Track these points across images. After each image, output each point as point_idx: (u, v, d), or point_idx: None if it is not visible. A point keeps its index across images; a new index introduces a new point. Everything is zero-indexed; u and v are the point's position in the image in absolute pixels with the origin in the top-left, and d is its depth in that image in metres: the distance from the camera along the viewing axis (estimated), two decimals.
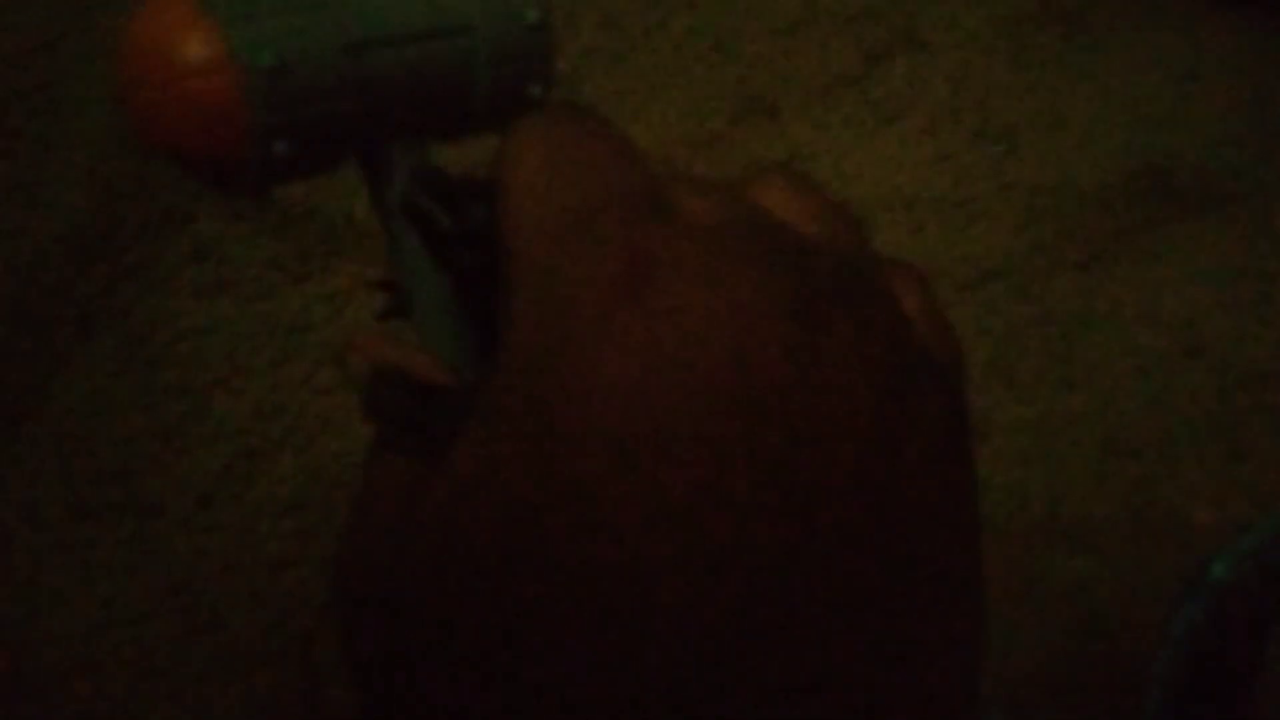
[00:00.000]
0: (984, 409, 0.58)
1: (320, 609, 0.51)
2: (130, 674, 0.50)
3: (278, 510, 0.54)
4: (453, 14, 0.24)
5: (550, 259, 0.18)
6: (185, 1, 0.21)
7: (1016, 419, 0.58)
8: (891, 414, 0.18)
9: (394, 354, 0.22)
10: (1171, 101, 0.70)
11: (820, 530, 0.17)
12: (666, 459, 0.17)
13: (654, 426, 0.17)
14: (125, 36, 0.21)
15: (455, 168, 0.23)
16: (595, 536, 0.17)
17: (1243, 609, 0.44)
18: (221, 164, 0.22)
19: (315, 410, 0.57)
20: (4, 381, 0.58)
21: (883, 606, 0.18)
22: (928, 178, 0.67)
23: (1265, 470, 0.55)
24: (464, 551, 0.17)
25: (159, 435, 0.56)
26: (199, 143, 0.21)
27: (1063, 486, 0.56)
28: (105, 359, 0.59)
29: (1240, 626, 0.44)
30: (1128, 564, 0.53)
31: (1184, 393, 0.58)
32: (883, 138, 0.69)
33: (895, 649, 0.18)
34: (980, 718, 0.20)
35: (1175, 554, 0.52)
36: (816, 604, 0.17)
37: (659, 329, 0.17)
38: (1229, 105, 0.70)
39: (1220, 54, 0.72)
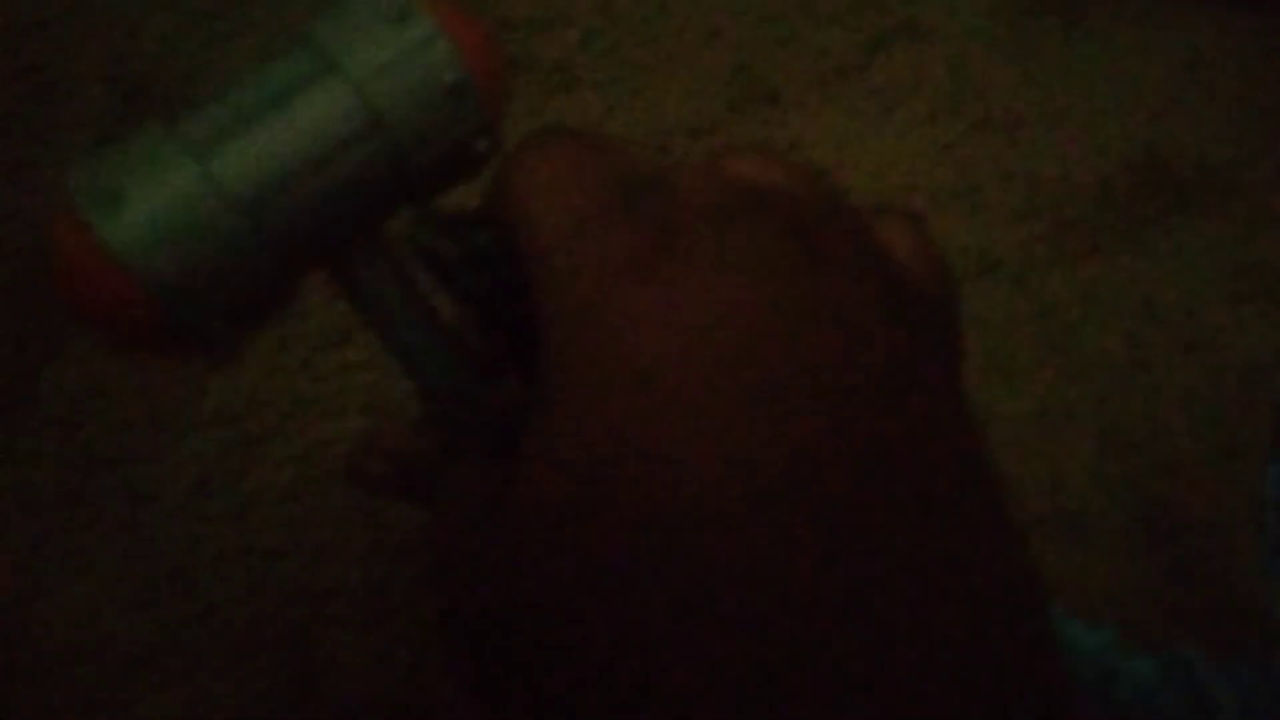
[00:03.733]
0: (983, 401, 0.57)
1: (316, 599, 0.51)
2: (124, 662, 0.50)
3: (274, 498, 0.54)
4: (350, 122, 0.22)
5: (573, 251, 0.19)
6: (77, 230, 0.21)
7: (1015, 411, 0.58)
8: (905, 339, 0.19)
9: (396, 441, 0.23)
10: (1173, 93, 0.70)
11: (873, 455, 0.18)
12: (729, 411, 0.18)
13: (709, 381, 0.18)
14: (50, 263, 0.21)
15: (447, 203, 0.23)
16: (675, 494, 0.17)
17: None
18: (181, 356, 0.22)
19: (312, 396, 0.56)
20: None
21: (938, 515, 0.18)
22: (927, 168, 0.67)
23: (1264, 463, 0.55)
24: (555, 533, 0.18)
25: (154, 422, 0.56)
26: (151, 351, 0.22)
27: (1060, 479, 0.56)
28: (98, 344, 0.58)
29: None
30: (1124, 558, 0.53)
31: (1183, 386, 0.58)
32: (883, 126, 0.68)
33: (962, 551, 0.19)
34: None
35: (1173, 548, 0.52)
36: (887, 528, 0.18)
37: (690, 289, 0.19)
38: (1230, 97, 0.69)
39: (1222, 45, 0.72)
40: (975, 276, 0.62)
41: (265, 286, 0.22)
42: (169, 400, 0.56)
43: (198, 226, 0.20)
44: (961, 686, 0.17)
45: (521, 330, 0.22)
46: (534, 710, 0.19)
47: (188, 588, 0.51)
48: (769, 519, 0.17)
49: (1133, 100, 0.69)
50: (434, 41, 0.22)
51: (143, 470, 0.54)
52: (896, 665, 0.17)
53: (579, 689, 0.18)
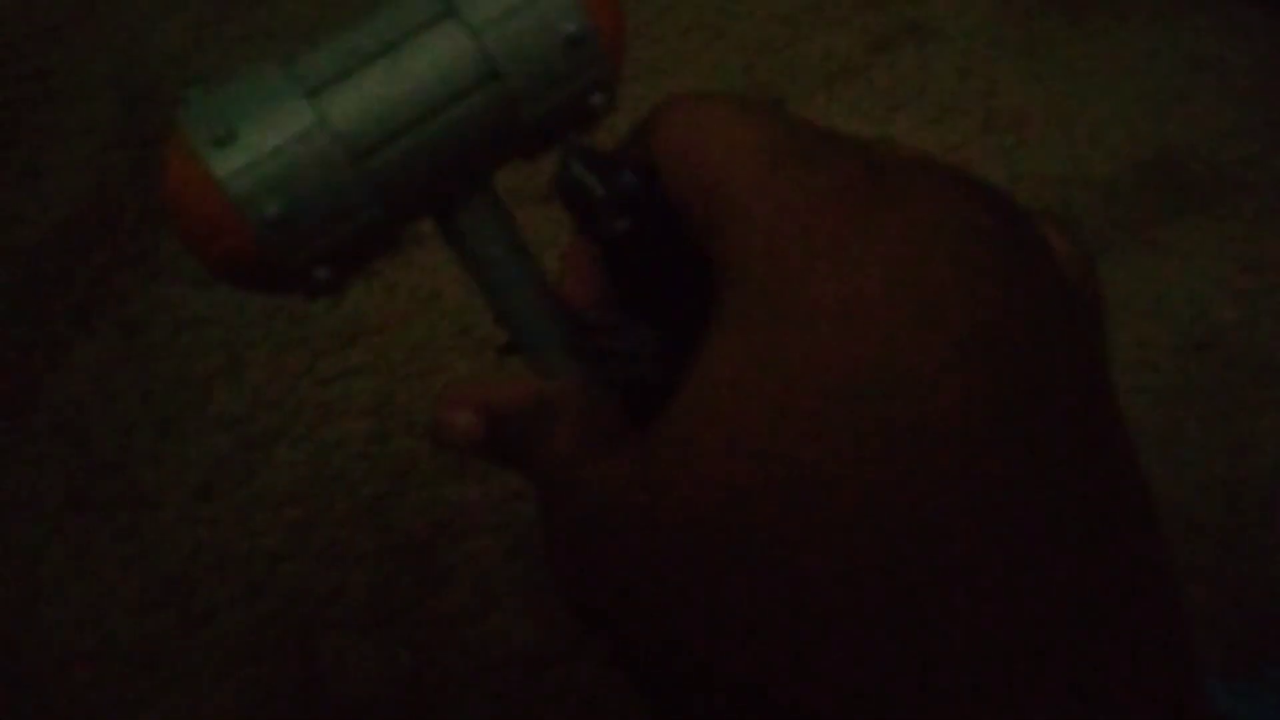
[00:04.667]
0: None
1: (318, 602, 0.51)
2: (127, 665, 0.50)
3: (276, 502, 0.53)
4: (466, 68, 0.22)
5: (768, 189, 0.18)
6: (188, 161, 0.20)
7: None
8: (1079, 336, 0.19)
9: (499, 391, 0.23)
10: (1181, 92, 0.69)
11: (1046, 441, 0.17)
12: (933, 359, 0.17)
13: (921, 327, 0.17)
14: (161, 190, 0.21)
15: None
16: (857, 449, 0.17)
17: None
18: (280, 291, 0.22)
19: (314, 401, 0.56)
20: (2, 371, 0.58)
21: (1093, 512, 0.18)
22: None
23: (1274, 465, 0.54)
24: (733, 474, 0.17)
25: (157, 426, 0.56)
26: (250, 285, 0.21)
27: None
28: (104, 349, 0.58)
29: None
30: None
31: (1194, 385, 0.57)
32: (889, 127, 0.68)
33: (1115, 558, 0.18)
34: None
35: (1183, 547, 0.52)
36: (1053, 509, 0.17)
37: (905, 232, 0.18)
38: (1239, 96, 0.69)
39: (1230, 44, 0.71)
40: None
41: (368, 230, 0.21)
42: (172, 405, 0.56)
43: (306, 167, 0.20)
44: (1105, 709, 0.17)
45: (651, 277, 0.22)
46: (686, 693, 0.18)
47: (190, 591, 0.51)
48: (954, 464, 0.17)
49: (1141, 99, 0.69)
50: None
51: (146, 475, 0.54)
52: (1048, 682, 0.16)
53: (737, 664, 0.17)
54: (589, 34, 0.22)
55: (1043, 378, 0.18)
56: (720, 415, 0.18)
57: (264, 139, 0.20)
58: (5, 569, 0.52)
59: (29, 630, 0.50)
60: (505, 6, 0.21)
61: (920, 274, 0.17)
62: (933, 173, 0.19)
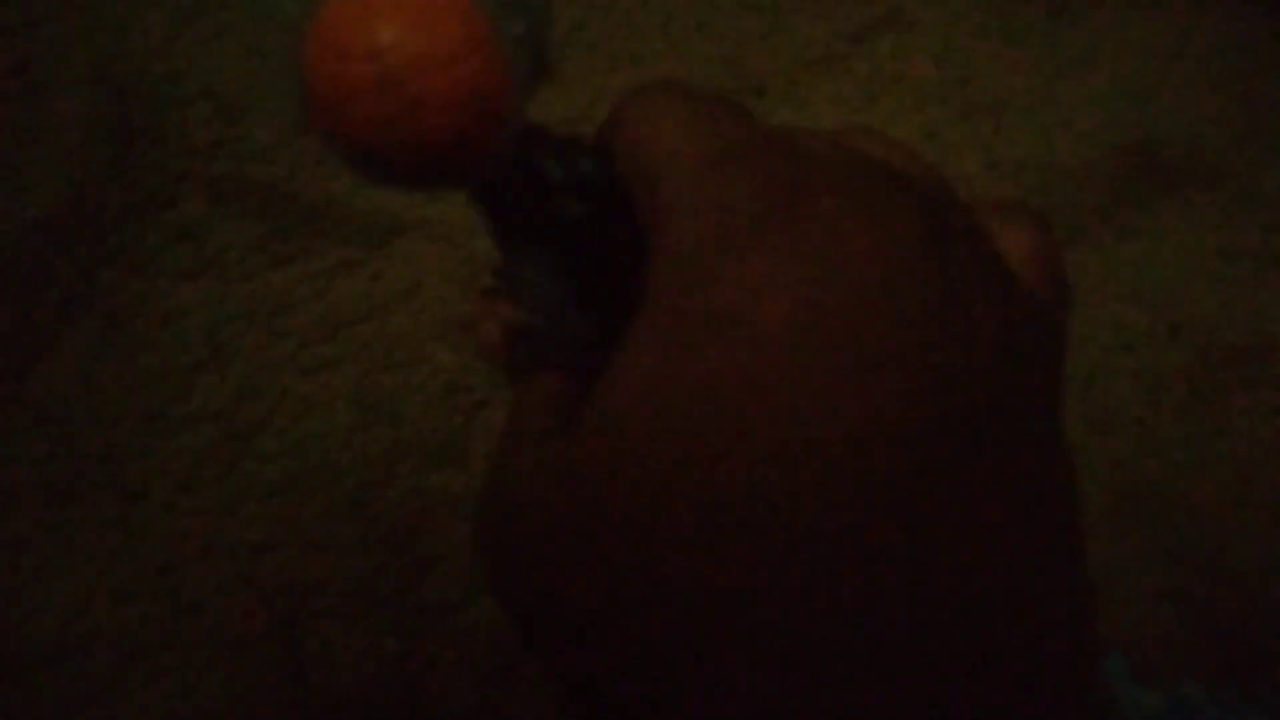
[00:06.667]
0: None
1: (304, 592, 0.51)
2: (113, 657, 0.50)
3: (261, 492, 0.54)
4: None
5: (703, 189, 0.19)
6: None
7: None
8: (1013, 337, 0.19)
9: (512, 310, 0.23)
10: (1157, 79, 0.70)
11: (968, 443, 0.18)
12: (832, 376, 0.17)
13: (819, 343, 0.17)
14: (345, 34, 0.18)
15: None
16: (764, 446, 0.17)
17: None
18: (472, 153, 0.19)
19: (298, 392, 0.57)
20: None
21: (1019, 515, 0.18)
22: None
23: (1248, 446, 0.55)
24: (628, 472, 0.18)
25: (142, 418, 0.56)
26: (456, 134, 0.19)
27: None
28: (87, 342, 0.58)
29: None
30: (1110, 539, 0.53)
31: (1168, 369, 0.58)
32: (869, 115, 0.68)
33: (1031, 549, 0.18)
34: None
35: (1157, 530, 0.52)
36: (972, 511, 0.18)
37: (816, 248, 0.18)
38: (1214, 83, 0.69)
39: (1206, 32, 0.72)
40: None
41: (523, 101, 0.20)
42: (157, 396, 0.57)
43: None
44: (993, 676, 0.17)
45: (607, 264, 0.22)
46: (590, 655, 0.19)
47: (177, 582, 0.52)
48: (847, 481, 0.17)
49: (1117, 87, 0.69)
50: None
51: (131, 466, 0.54)
52: (940, 638, 0.17)
53: (644, 619, 0.18)
54: None
55: (951, 396, 0.18)
56: (614, 428, 0.18)
57: None
58: None
59: (14, 622, 0.51)
60: None
61: (825, 290, 0.18)
62: (860, 185, 0.19)
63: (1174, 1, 0.73)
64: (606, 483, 0.18)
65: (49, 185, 0.64)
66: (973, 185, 0.65)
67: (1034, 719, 0.18)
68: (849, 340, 0.18)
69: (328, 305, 0.59)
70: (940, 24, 0.72)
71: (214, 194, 0.62)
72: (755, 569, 0.17)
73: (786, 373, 0.17)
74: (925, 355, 0.18)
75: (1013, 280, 0.20)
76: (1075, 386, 0.57)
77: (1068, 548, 0.19)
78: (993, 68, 0.70)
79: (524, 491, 0.20)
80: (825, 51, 0.71)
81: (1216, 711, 0.47)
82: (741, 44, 0.72)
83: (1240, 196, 0.64)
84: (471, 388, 0.57)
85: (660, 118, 0.20)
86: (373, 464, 0.54)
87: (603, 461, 0.18)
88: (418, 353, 0.58)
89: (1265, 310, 0.59)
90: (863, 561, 0.17)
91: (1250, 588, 0.51)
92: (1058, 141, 0.66)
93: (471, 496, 0.54)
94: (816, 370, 0.17)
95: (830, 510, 0.17)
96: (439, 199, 0.62)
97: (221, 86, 0.67)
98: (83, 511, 0.53)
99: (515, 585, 0.20)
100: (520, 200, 0.23)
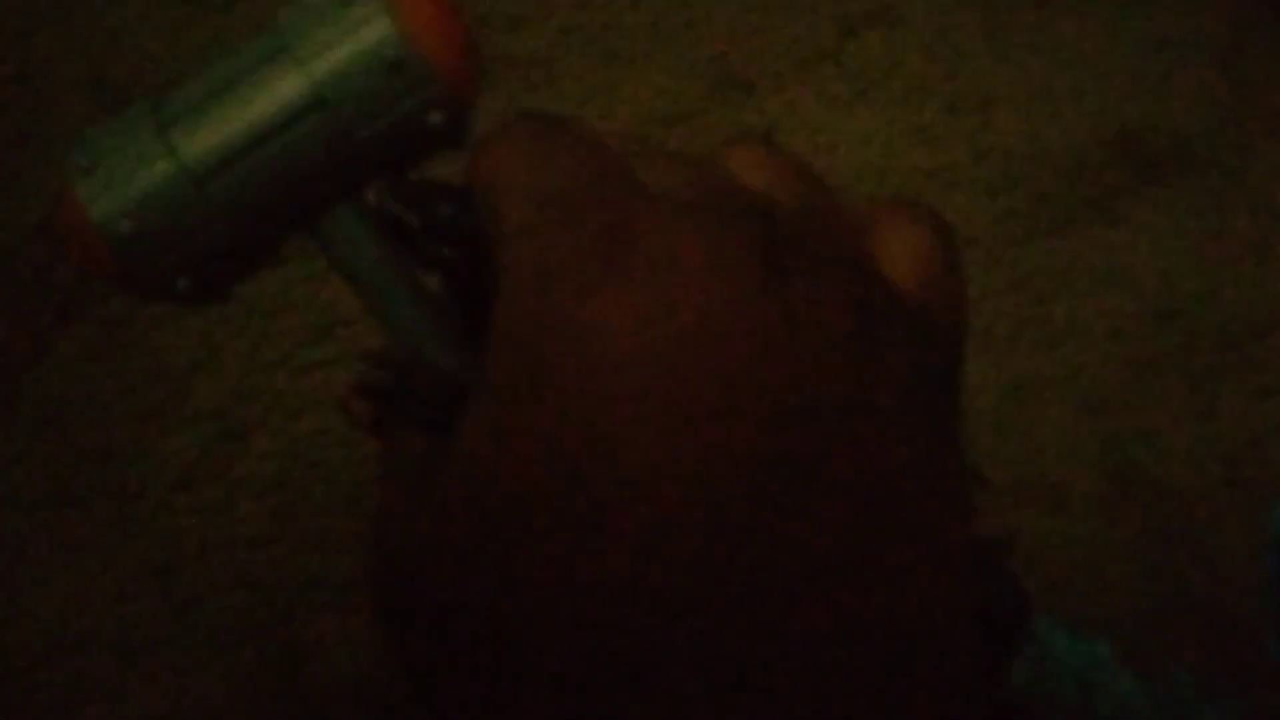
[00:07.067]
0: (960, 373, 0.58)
1: (300, 587, 0.52)
2: (111, 654, 0.50)
3: (257, 490, 0.54)
4: (295, 97, 0.23)
5: (533, 237, 0.19)
6: (64, 191, 0.24)
7: (992, 383, 0.58)
8: (865, 361, 0.19)
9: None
10: (1145, 70, 0.70)
11: (807, 475, 0.18)
12: (663, 418, 0.17)
13: (649, 388, 0.18)
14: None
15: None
16: (601, 495, 0.17)
17: None
18: (158, 298, 0.24)
19: (294, 391, 0.57)
20: None
21: (864, 548, 0.18)
22: (903, 149, 0.67)
23: (1237, 430, 0.55)
24: (477, 521, 0.18)
25: (138, 419, 0.56)
26: (129, 291, 0.24)
27: (1036, 448, 0.56)
28: (83, 344, 0.59)
29: None
30: (1100, 524, 0.53)
31: (1157, 354, 0.58)
32: (858, 111, 0.69)
33: (876, 589, 0.18)
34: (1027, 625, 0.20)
35: (1147, 514, 0.52)
36: (809, 549, 0.18)
37: (641, 293, 0.18)
38: (1202, 73, 0.70)
39: (1193, 22, 0.72)
40: None
41: (222, 246, 0.24)
42: (153, 397, 0.57)
43: (153, 192, 0.23)
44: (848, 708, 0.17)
45: (479, 306, 0.23)
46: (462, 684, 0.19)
47: (173, 580, 0.52)
48: (691, 524, 0.17)
49: (1105, 77, 0.70)
50: (375, 19, 0.23)
51: (128, 466, 0.55)
52: (785, 670, 0.17)
53: (499, 658, 0.18)
54: (409, 59, 0.23)
55: (789, 428, 0.18)
56: (466, 479, 0.19)
57: (117, 167, 0.23)
58: None
59: (12, 622, 0.51)
60: (328, 39, 0.24)
61: (651, 332, 0.18)
62: (691, 224, 0.19)
63: None
64: (466, 530, 0.18)
65: (46, 190, 0.65)
66: (961, 177, 0.65)
67: None
68: (677, 381, 0.18)
69: (320, 307, 0.60)
70: (929, 18, 0.73)
71: None
72: (603, 606, 0.17)
73: (617, 414, 0.18)
74: (760, 387, 0.18)
75: (875, 288, 0.20)
76: (1067, 372, 0.57)
77: (933, 573, 0.19)
78: (980, 61, 0.70)
79: (400, 536, 0.20)
80: (814, 48, 0.72)
81: (1204, 702, 0.47)
82: (730, 41, 0.73)
83: (1226, 183, 0.64)
84: None
85: (500, 155, 0.21)
86: (367, 461, 0.55)
87: (459, 510, 0.19)
88: None
89: (1253, 295, 0.59)
90: (700, 589, 0.17)
91: (1239, 570, 0.51)
92: (1045, 133, 0.67)
93: None
94: (646, 412, 0.18)
95: (669, 548, 0.17)
96: None
97: None
98: (81, 511, 0.54)
99: (403, 646, 0.20)
100: (389, 248, 0.24)
